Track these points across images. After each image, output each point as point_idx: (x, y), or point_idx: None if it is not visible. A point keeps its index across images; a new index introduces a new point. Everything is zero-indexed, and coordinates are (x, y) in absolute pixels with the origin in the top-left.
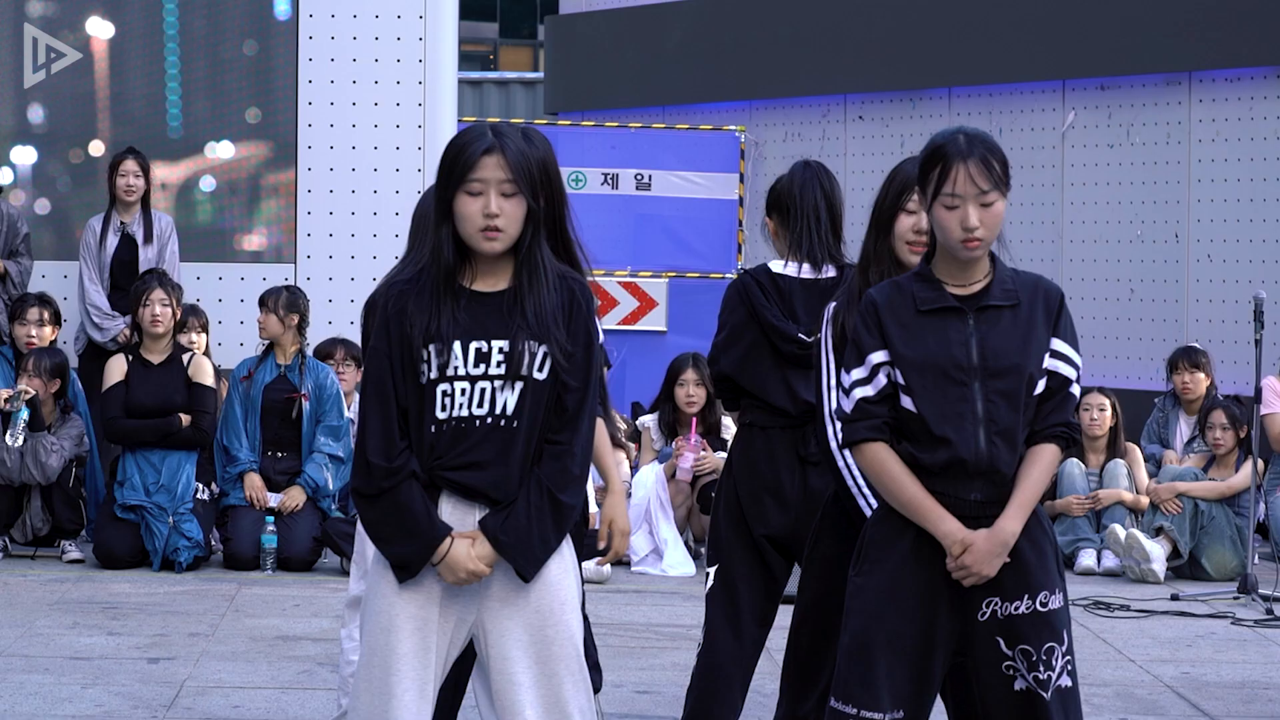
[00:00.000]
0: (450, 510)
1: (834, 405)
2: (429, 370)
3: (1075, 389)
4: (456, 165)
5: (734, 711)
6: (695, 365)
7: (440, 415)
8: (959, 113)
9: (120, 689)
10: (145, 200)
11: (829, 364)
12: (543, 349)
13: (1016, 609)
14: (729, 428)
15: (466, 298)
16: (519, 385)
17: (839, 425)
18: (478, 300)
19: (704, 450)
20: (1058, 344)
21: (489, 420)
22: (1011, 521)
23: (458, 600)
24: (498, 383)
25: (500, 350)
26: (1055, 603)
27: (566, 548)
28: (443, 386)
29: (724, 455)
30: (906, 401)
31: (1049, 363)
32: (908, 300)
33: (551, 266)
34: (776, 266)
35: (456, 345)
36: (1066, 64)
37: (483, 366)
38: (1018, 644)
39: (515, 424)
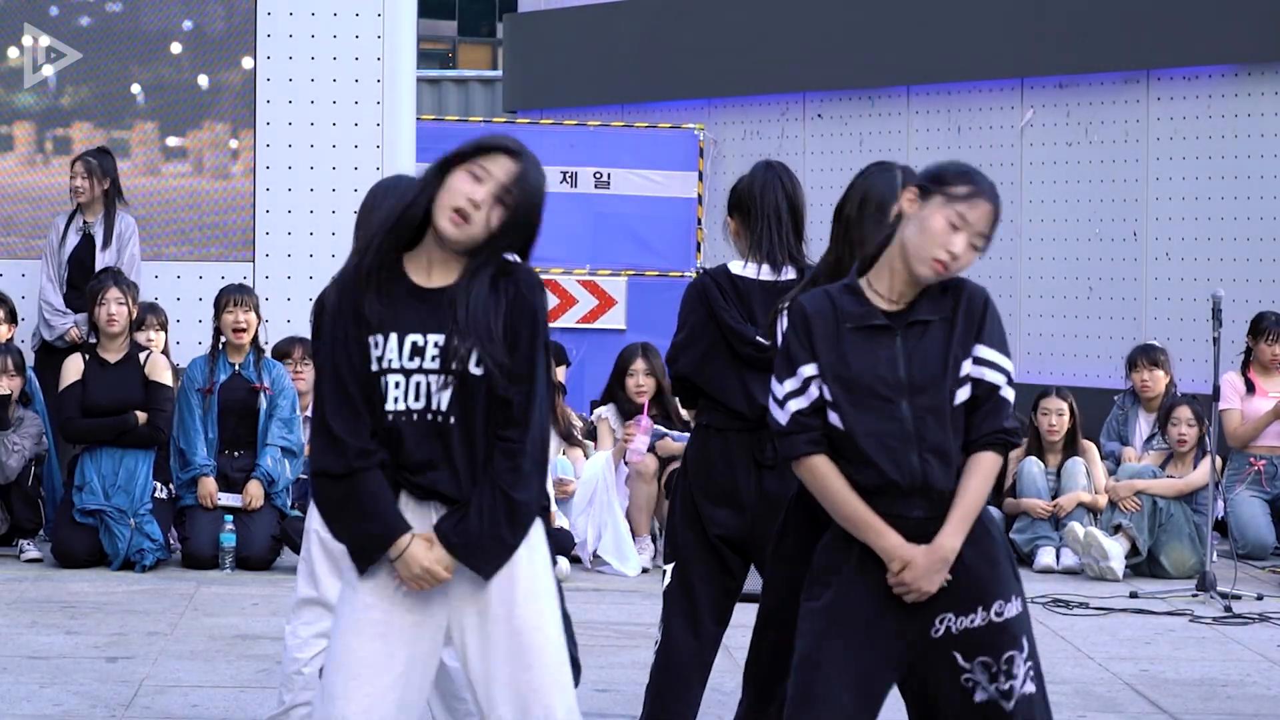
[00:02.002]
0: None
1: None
2: (371, 362)
3: (1007, 393)
4: (478, 146)
5: (692, 709)
6: (645, 355)
7: (386, 407)
8: (917, 111)
9: (78, 688)
10: (109, 201)
11: None
12: (479, 344)
13: (972, 622)
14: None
15: (406, 290)
16: (453, 380)
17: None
18: (416, 294)
19: (652, 431)
20: (983, 350)
21: (427, 416)
22: (950, 537)
23: (426, 605)
24: (432, 377)
25: (435, 345)
26: (1012, 610)
27: (537, 541)
28: (383, 379)
29: (678, 435)
30: (834, 418)
31: (972, 370)
32: (838, 314)
33: (499, 268)
34: (736, 268)
35: (393, 338)
36: (1025, 62)
37: (417, 360)
38: (976, 656)
39: (451, 420)
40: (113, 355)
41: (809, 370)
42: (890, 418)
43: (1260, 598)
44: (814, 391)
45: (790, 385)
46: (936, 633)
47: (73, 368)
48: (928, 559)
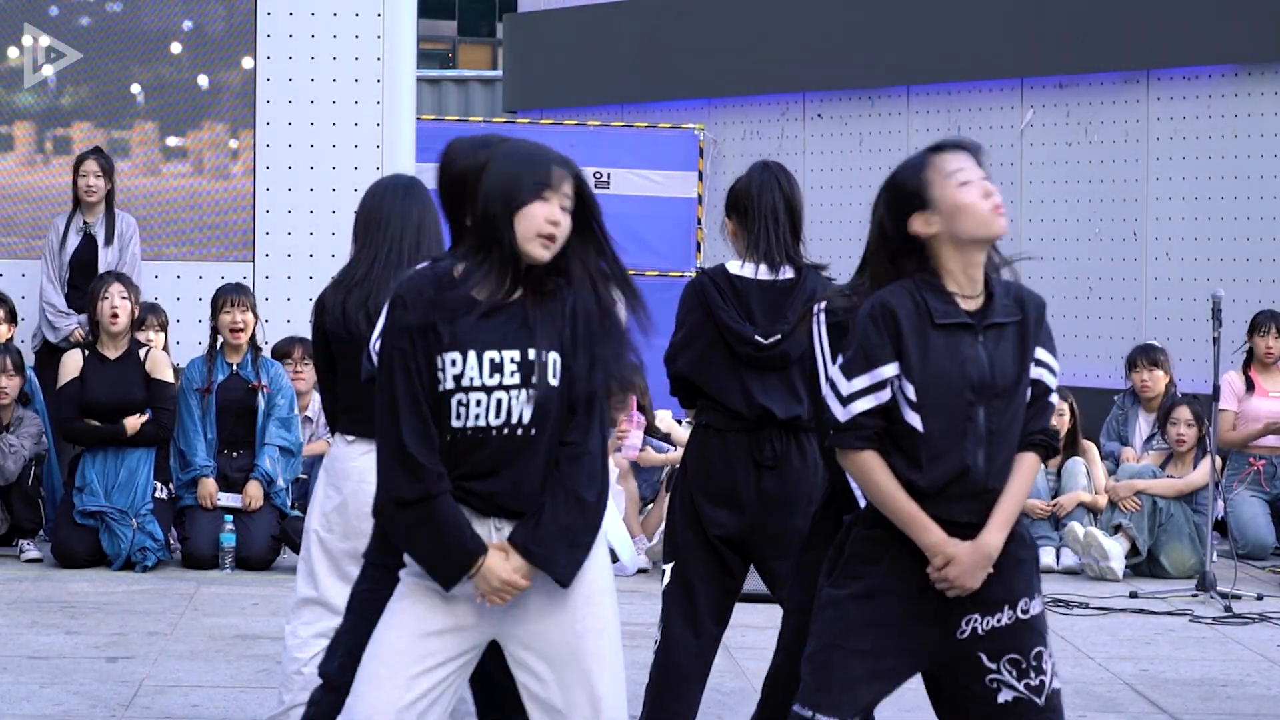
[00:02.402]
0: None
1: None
2: (444, 380)
3: (1055, 397)
4: (536, 173)
5: (692, 709)
6: None
7: (455, 424)
8: (917, 111)
9: (78, 688)
10: (109, 200)
11: (827, 367)
12: (553, 355)
13: (999, 621)
14: (660, 417)
15: (478, 307)
16: (534, 394)
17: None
18: (483, 310)
19: (642, 426)
20: (1040, 353)
21: (505, 430)
22: (995, 535)
23: (470, 613)
24: (513, 392)
25: (513, 360)
26: (1036, 608)
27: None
28: (458, 397)
29: (668, 447)
30: (914, 419)
31: (1034, 371)
32: (923, 311)
33: (569, 277)
34: (734, 267)
35: (471, 355)
36: (1025, 62)
37: (497, 377)
38: (1004, 655)
39: (533, 432)
40: (113, 352)
41: (889, 371)
42: (968, 419)
43: (1260, 598)
44: (886, 394)
45: (861, 383)
46: (962, 634)
47: (71, 364)
48: (972, 556)
